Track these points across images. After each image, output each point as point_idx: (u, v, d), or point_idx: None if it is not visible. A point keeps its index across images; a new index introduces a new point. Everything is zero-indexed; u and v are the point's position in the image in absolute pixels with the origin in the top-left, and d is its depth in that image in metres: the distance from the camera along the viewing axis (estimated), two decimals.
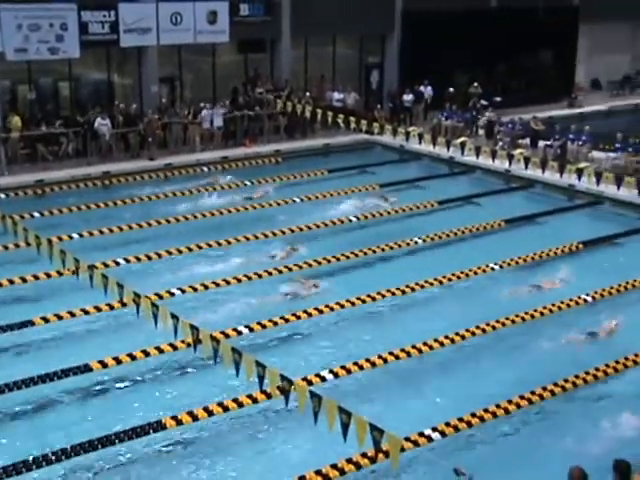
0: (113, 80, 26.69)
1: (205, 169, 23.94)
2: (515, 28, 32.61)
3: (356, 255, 16.80)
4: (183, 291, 14.50)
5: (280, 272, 15.67)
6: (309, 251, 17.00)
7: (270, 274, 15.56)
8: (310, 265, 16.07)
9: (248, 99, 27.40)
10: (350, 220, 19.24)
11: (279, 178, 22.89)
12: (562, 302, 14.39)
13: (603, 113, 33.93)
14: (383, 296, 14.61)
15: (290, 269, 15.87)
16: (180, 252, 16.75)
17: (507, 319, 13.61)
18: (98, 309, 13.59)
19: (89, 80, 26.22)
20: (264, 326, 13.19)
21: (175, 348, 12.16)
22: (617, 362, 12.25)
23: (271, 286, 15.14)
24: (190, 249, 16.85)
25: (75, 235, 17.38)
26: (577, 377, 11.73)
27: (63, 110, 25.48)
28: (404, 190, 22.20)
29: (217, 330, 12.17)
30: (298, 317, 13.63)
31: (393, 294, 14.73)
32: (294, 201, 20.53)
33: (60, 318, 13.32)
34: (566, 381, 11.59)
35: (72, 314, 13.46)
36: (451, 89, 30.30)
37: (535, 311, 13.98)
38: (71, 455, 9.75)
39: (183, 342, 11.76)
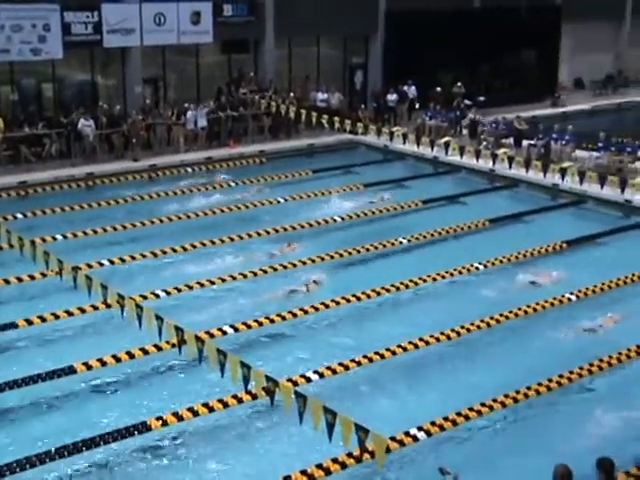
0: (97, 81, 26.59)
1: (189, 170, 23.92)
2: (498, 28, 32.72)
3: (341, 255, 16.82)
4: (179, 290, 14.52)
5: (275, 269, 15.84)
6: (286, 250, 17.20)
7: (265, 272, 15.64)
8: (294, 265, 16.07)
9: (232, 99, 27.37)
10: (335, 220, 19.24)
11: (263, 178, 22.90)
12: (546, 301, 14.43)
13: (586, 112, 34.10)
14: (368, 296, 14.60)
15: (285, 267, 15.93)
16: (165, 252, 16.71)
17: (492, 318, 13.65)
18: (82, 311, 13.49)
19: (72, 81, 26.11)
20: (261, 323, 13.27)
21: (160, 349, 12.09)
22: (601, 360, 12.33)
23: (271, 283, 15.23)
24: (175, 249, 16.83)
25: (59, 236, 17.29)
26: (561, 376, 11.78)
27: (46, 111, 25.36)
28: (389, 190, 22.22)
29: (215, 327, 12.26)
30: (283, 318, 13.62)
31: (378, 293, 14.72)
32: (278, 202, 20.55)
33: (44, 320, 13.23)
34: (550, 381, 11.64)
35: (56, 316, 13.39)
36: (438, 88, 30.42)
37: (519, 309, 14.04)
38: (55, 458, 9.69)
39: (168, 343, 11.71)
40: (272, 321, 13.45)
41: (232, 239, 17.58)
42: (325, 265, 16.37)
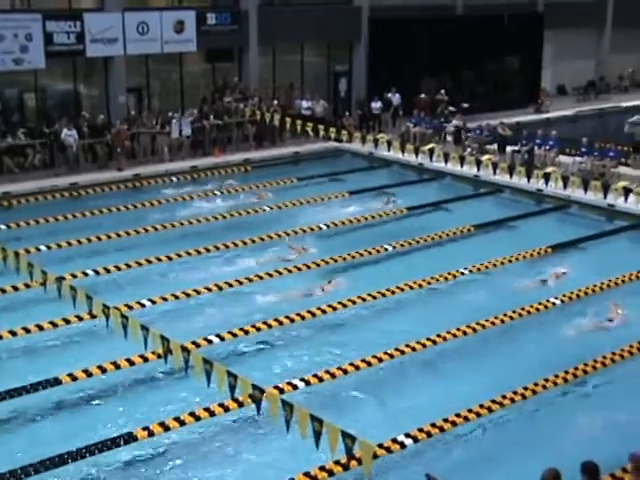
0: (80, 91, 26.51)
1: (174, 179, 23.88)
2: (481, 35, 32.90)
3: (327, 263, 16.83)
4: (175, 296, 14.56)
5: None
6: (272, 258, 17.18)
7: (241, 283, 15.54)
8: (280, 273, 16.04)
9: (217, 108, 27.36)
10: (320, 228, 19.22)
11: (249, 187, 22.93)
12: (531, 305, 14.51)
13: (569, 118, 34.29)
14: (354, 302, 14.67)
15: (271, 275, 15.91)
16: (150, 262, 16.64)
17: (478, 324, 13.71)
18: (67, 322, 13.40)
19: (55, 91, 26.04)
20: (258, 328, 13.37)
21: (146, 360, 12.03)
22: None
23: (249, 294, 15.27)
24: (159, 259, 16.77)
25: (43, 247, 17.14)
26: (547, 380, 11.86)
27: (29, 121, 25.22)
28: (374, 197, 22.23)
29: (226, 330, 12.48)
30: (270, 326, 13.62)
31: (364, 300, 14.80)
32: (264, 210, 20.59)
33: (28, 331, 13.15)
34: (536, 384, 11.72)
35: (40, 327, 13.28)
36: (422, 95, 30.56)
37: (514, 312, 14.17)
38: (40, 470, 9.62)
39: (154, 353, 11.69)
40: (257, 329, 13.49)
41: (217, 248, 17.56)
42: (312, 273, 16.36)
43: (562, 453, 9.63)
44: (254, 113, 26.85)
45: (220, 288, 15.20)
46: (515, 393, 11.42)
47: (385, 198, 21.71)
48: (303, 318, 13.93)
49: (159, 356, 11.30)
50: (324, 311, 14.19)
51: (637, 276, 16.07)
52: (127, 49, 25.71)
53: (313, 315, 14.03)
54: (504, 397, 11.30)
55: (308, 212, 20.59)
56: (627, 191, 20.67)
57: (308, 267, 16.48)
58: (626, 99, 37.27)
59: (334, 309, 14.34)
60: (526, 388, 11.57)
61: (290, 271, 16.20)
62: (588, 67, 39.67)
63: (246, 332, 13.34)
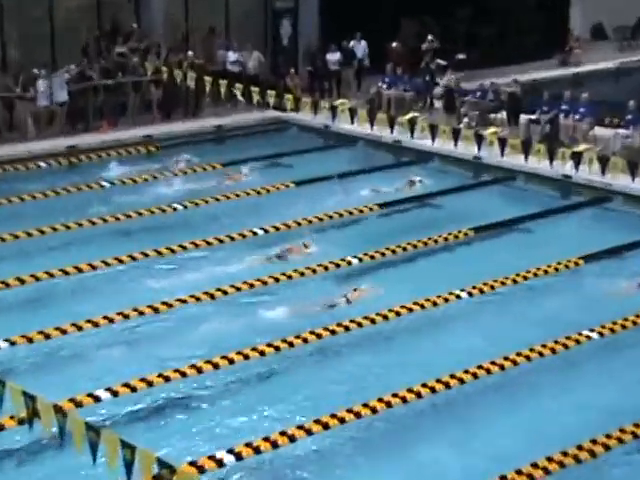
0: None
1: (43, 165, 23.62)
2: None
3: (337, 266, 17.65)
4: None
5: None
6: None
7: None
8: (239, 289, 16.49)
9: (104, 63, 27.09)
10: (255, 234, 19.32)
11: (152, 176, 22.87)
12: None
13: (609, 73, 34.46)
14: (396, 313, 15.57)
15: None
16: None
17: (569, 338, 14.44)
18: None
19: None
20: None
21: (2, 428, 11.96)
22: None
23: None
24: None
25: None
26: None
27: None
28: (330, 188, 22.17)
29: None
30: (263, 353, 14.14)
31: (409, 310, 15.72)
32: (175, 209, 20.70)
33: None
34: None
35: None
36: (394, 44, 30.63)
37: None
38: None
39: (12, 418, 11.65)
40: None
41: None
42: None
43: None
44: (158, 70, 26.75)
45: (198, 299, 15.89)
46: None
47: (408, 178, 22.16)
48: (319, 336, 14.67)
49: (21, 422, 11.23)
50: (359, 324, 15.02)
51: None
52: None
53: (333, 333, 14.78)
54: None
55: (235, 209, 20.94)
56: None
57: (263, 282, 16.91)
58: None
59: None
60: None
61: (251, 286, 16.67)
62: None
63: (245, 356, 13.89)
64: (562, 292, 16.97)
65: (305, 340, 14.56)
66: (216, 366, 13.71)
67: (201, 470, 11.03)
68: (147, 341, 15.09)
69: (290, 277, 16.92)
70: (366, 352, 14.73)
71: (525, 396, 13.42)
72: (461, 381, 13.23)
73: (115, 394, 12.90)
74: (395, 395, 12.67)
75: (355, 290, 16.29)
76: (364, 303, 15.88)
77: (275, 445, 11.69)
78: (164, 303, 15.64)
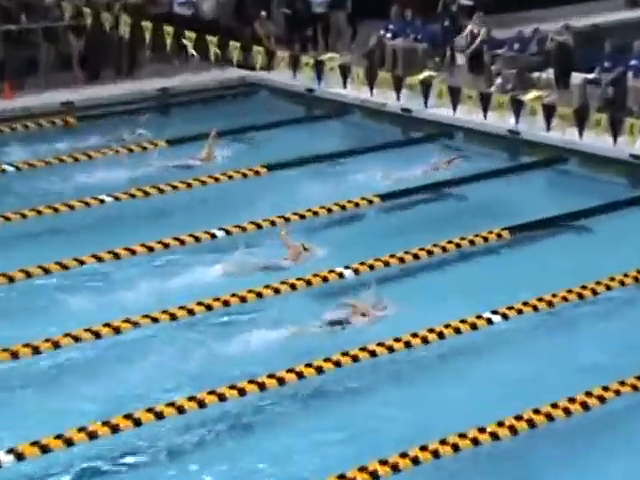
0: None
1: None
2: None
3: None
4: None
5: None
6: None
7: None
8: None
9: (7, 3, 26.17)
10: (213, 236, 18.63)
11: (73, 158, 21.64)
12: None
13: None
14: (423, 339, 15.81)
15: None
16: None
17: None
18: None
19: None
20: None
21: None
22: None
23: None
24: None
25: None
26: None
27: None
28: (312, 176, 21.46)
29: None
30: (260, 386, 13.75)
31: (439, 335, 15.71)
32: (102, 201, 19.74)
33: None
34: None
35: None
36: None
37: None
38: None
39: None
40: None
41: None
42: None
43: None
44: (80, 13, 25.93)
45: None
46: None
47: (445, 156, 21.64)
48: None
49: None
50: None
51: None
52: None
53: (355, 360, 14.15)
54: None
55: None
56: None
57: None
58: None
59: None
60: None
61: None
62: None
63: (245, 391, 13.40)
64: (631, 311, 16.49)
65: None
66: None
67: None
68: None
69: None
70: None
71: None
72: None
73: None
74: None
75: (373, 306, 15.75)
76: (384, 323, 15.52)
77: None
78: (87, 330, 14.68)
